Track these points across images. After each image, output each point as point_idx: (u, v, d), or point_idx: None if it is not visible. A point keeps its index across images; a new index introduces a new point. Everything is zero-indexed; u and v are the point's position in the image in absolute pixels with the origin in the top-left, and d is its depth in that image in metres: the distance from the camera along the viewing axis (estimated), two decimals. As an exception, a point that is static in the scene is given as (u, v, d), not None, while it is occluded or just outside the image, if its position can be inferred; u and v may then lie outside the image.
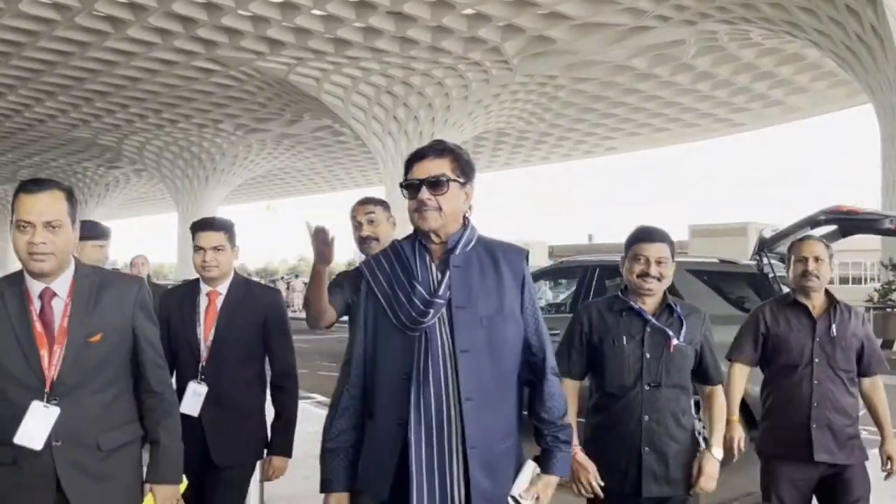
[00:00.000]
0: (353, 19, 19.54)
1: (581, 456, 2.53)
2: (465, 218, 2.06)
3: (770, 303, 3.26)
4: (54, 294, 2.08)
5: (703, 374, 2.70)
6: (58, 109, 28.20)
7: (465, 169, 2.03)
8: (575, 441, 2.43)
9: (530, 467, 2.01)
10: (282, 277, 37.62)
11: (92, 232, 3.38)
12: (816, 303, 3.05)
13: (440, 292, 1.95)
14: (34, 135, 32.20)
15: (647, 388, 2.54)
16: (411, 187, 1.99)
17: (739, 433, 3.14)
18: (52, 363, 2.05)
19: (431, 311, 1.94)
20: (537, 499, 1.99)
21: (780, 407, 3.06)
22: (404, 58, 22.36)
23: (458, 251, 2.01)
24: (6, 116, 29.02)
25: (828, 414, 2.95)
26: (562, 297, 8.01)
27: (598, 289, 7.66)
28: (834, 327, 2.99)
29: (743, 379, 3.25)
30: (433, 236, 2.01)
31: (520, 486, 1.97)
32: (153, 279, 8.69)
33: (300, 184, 48.74)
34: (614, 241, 15.30)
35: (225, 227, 2.99)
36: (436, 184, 1.96)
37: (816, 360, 2.98)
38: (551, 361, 2.08)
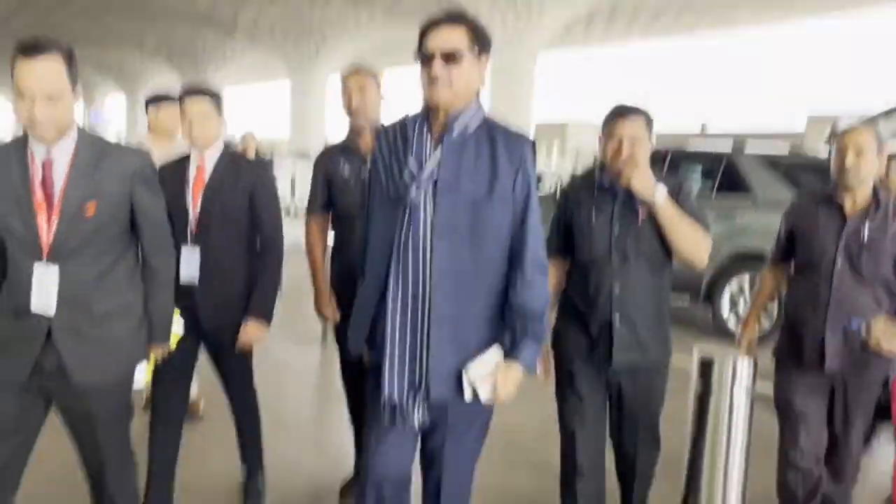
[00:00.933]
0: None
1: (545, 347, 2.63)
2: (476, 96, 2.02)
3: (805, 197, 3.06)
4: (55, 160, 2.08)
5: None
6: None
7: (480, 40, 1.96)
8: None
9: (492, 352, 1.99)
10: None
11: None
12: (857, 199, 2.76)
13: (426, 170, 1.94)
14: (156, 7, 33.40)
15: (616, 259, 2.57)
16: (424, 59, 1.93)
17: (755, 332, 3.09)
18: (49, 229, 2.07)
19: (413, 186, 1.94)
20: (493, 389, 1.98)
21: (798, 309, 2.89)
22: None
23: (455, 130, 1.97)
24: (130, -12, 30.07)
25: (844, 321, 2.75)
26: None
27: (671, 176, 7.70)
28: (866, 228, 2.72)
29: (771, 279, 3.13)
30: (441, 111, 1.97)
31: (476, 370, 1.96)
32: (261, 154, 8.85)
33: (409, 54, 48.31)
34: (730, 132, 14.63)
35: (210, 94, 3.00)
36: (450, 56, 1.90)
37: (839, 262, 2.74)
38: (533, 254, 2.03)
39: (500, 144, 1.99)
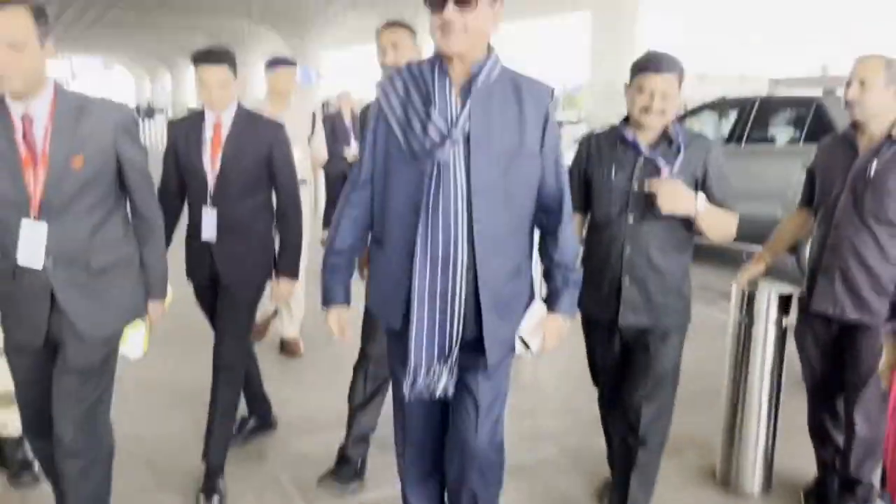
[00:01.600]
0: None
1: None
2: (489, 44, 1.90)
3: (832, 135, 2.90)
4: (35, 117, 2.06)
5: (707, 196, 2.46)
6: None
7: None
8: None
9: (537, 307, 2.03)
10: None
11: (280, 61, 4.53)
12: (872, 135, 2.58)
13: (459, 124, 1.82)
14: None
15: (630, 219, 2.45)
16: (435, 3, 1.78)
17: (756, 270, 2.91)
18: (36, 185, 2.05)
19: (448, 143, 1.82)
20: (543, 339, 2.02)
21: (811, 253, 2.79)
22: None
23: (480, 80, 1.85)
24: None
25: (841, 264, 2.61)
26: (725, 131, 8.04)
27: (757, 124, 7.48)
28: (874, 165, 2.54)
29: (791, 221, 2.98)
30: (456, 60, 1.84)
31: (526, 327, 2.00)
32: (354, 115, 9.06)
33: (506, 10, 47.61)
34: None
35: (228, 60, 2.96)
36: (464, 0, 1.75)
37: (842, 200, 2.60)
38: (568, 206, 2.03)
39: (525, 94, 1.90)
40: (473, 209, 1.85)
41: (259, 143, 2.99)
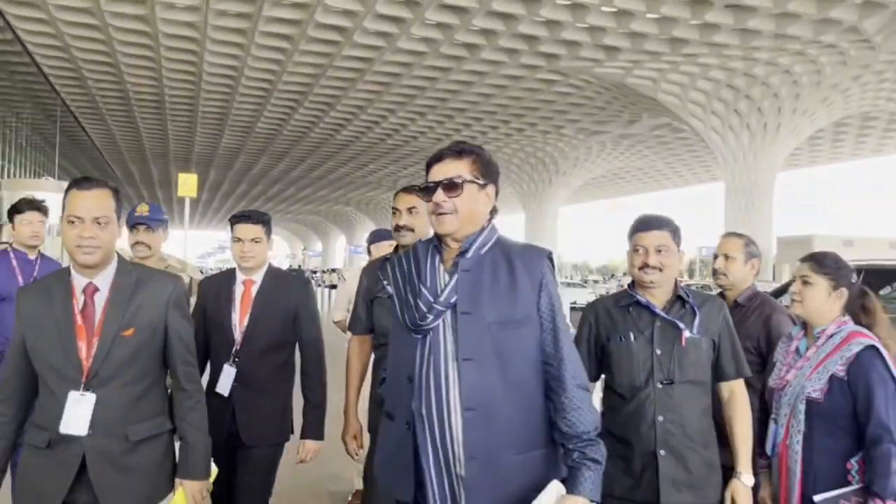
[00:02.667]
0: (688, 18, 19.40)
1: None
2: (489, 220, 1.99)
3: None
4: (97, 289, 2.15)
5: (717, 370, 2.41)
6: (426, 126, 32.71)
7: (485, 170, 1.95)
8: None
9: (554, 487, 1.81)
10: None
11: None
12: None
13: (442, 296, 1.88)
14: (409, 149, 37.73)
15: (659, 386, 2.33)
16: (428, 190, 1.94)
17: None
18: (88, 355, 2.09)
19: (430, 315, 1.87)
20: None
21: None
22: (745, 49, 21.39)
23: (469, 254, 1.92)
24: (388, 135, 34.54)
25: None
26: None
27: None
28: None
29: None
30: (449, 240, 1.94)
31: None
32: None
33: (640, 182, 48.78)
34: None
35: (262, 220, 3.05)
36: (450, 185, 1.90)
37: None
38: (572, 371, 1.90)
39: (517, 262, 1.92)
40: (462, 376, 1.84)
41: (287, 298, 3.02)
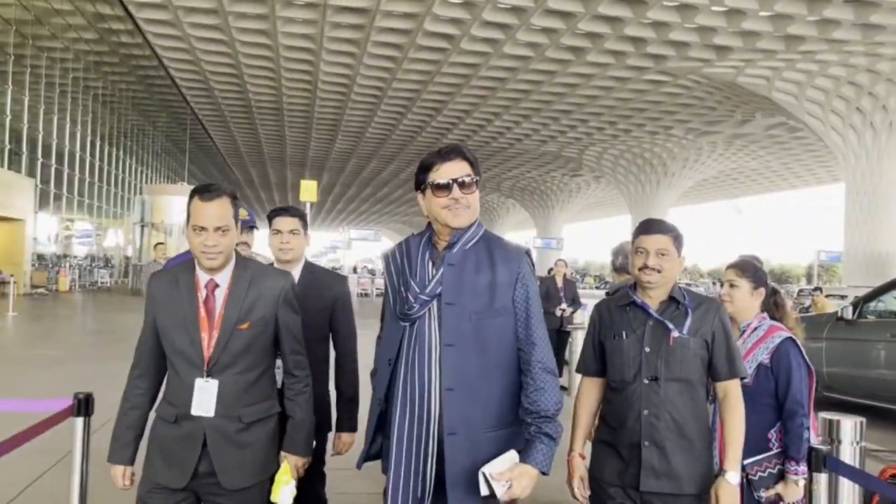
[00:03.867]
0: (804, 14, 18.71)
1: (576, 461, 2.54)
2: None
3: None
4: (217, 285, 2.31)
5: (712, 370, 2.51)
6: (531, 129, 32.89)
7: (477, 171, 2.12)
8: (579, 446, 2.55)
9: (509, 456, 1.99)
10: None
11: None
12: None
13: (428, 289, 2.05)
14: (513, 152, 38.02)
15: (645, 382, 2.45)
16: (441, 187, 2.06)
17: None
18: (209, 345, 2.27)
19: (417, 305, 2.04)
20: (510, 486, 1.92)
21: None
22: (868, 45, 20.34)
23: (456, 248, 2.08)
24: (493, 138, 34.97)
25: None
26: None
27: None
28: None
29: None
30: (447, 233, 2.10)
31: (494, 466, 1.94)
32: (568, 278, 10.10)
33: (755, 183, 46.86)
34: None
35: (300, 215, 3.09)
36: (467, 184, 2.06)
37: None
38: (540, 356, 2.07)
39: (498, 258, 2.08)
40: (443, 360, 2.01)
41: (323, 293, 3.06)
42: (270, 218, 3.12)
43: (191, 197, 2.30)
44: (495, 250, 2.10)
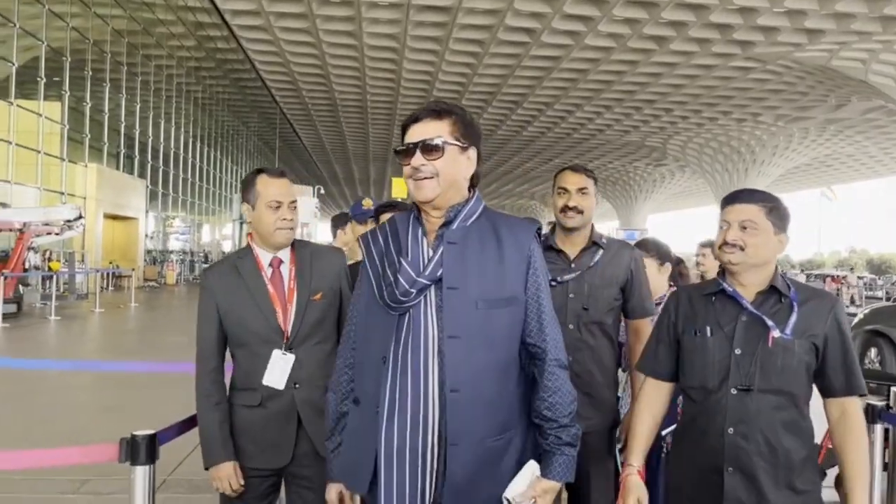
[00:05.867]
0: (903, -7, 17.99)
1: (632, 480, 2.04)
2: (472, 188, 1.82)
3: None
4: (281, 261, 2.35)
5: (823, 382, 1.99)
6: (613, 119, 32.63)
7: (466, 132, 1.78)
8: (637, 460, 2.08)
9: (530, 468, 1.75)
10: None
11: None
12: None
13: (427, 271, 1.71)
14: (595, 142, 37.79)
15: (733, 392, 1.95)
16: (405, 152, 1.75)
17: None
18: (286, 319, 2.29)
19: (413, 290, 1.70)
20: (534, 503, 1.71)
21: None
22: (975, 21, 19.32)
23: (455, 224, 1.76)
24: (574, 129, 34.88)
25: None
26: None
27: None
28: None
29: None
30: (430, 208, 1.77)
31: (515, 488, 1.72)
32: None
33: (852, 169, 44.80)
34: None
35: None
36: (430, 147, 1.72)
37: None
38: (554, 353, 1.77)
39: (505, 235, 1.77)
40: (446, 355, 1.67)
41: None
42: (378, 212, 3.12)
43: (254, 177, 2.35)
44: (501, 226, 1.80)
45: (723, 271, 2.10)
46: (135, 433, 2.12)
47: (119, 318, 15.03)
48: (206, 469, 2.27)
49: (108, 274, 21.72)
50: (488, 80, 27.03)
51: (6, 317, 12.75)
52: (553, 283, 2.41)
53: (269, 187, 2.31)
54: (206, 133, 35.84)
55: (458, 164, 1.77)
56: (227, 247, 37.97)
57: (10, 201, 16.93)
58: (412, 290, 1.71)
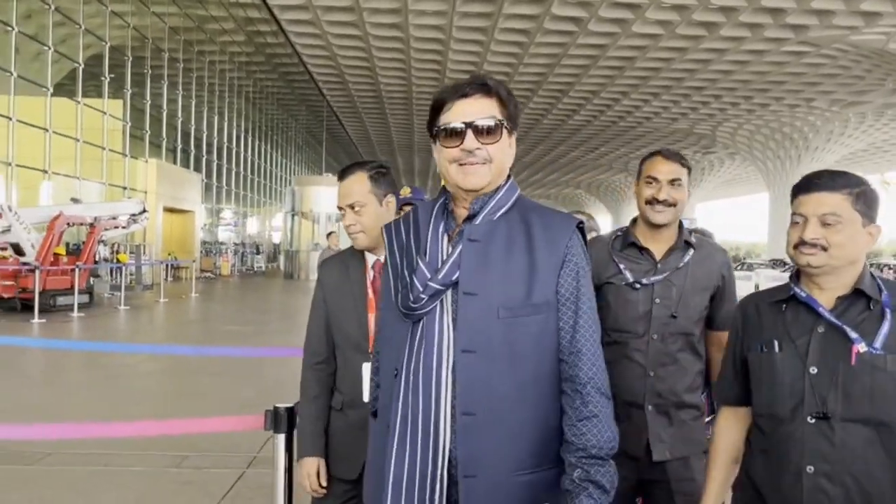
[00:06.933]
0: (966, -28, 17.44)
1: None
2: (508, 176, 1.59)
3: None
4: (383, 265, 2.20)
5: None
6: (661, 107, 32.25)
7: (514, 112, 1.55)
8: (713, 502, 1.78)
9: None
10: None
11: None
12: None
13: (441, 274, 1.48)
14: (642, 130, 37.39)
15: (811, 421, 1.59)
16: (450, 133, 1.50)
17: None
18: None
19: (425, 296, 1.48)
20: None
21: None
22: None
23: (479, 219, 1.52)
24: (620, 117, 34.58)
25: None
26: None
27: None
28: None
29: None
30: (466, 198, 1.54)
31: None
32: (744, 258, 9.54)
33: (909, 155, 43.46)
34: None
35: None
36: (486, 129, 1.49)
37: None
38: (591, 371, 1.49)
39: (537, 231, 1.52)
40: (459, 372, 1.45)
41: None
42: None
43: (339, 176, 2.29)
44: (534, 221, 1.54)
45: (797, 273, 1.72)
46: (276, 405, 2.39)
47: (183, 308, 15.73)
48: (297, 461, 2.27)
49: (168, 265, 22.53)
50: (534, 69, 27.02)
51: (80, 307, 13.41)
52: (636, 286, 2.25)
53: (338, 191, 2.24)
54: (256, 126, 36.65)
55: (506, 150, 1.56)
56: (277, 238, 38.83)
57: (79, 196, 17.75)
58: (423, 296, 1.48)
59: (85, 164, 19.92)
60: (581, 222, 1.57)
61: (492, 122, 1.50)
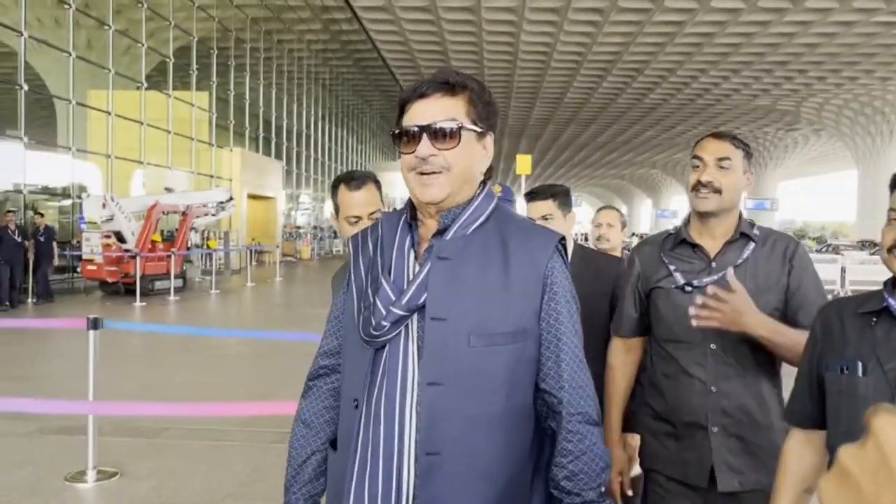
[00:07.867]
0: None
1: None
2: (482, 183, 1.43)
3: None
4: None
5: None
6: (741, 83, 31.23)
7: (485, 112, 1.40)
8: None
9: None
10: None
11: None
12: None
13: (406, 298, 1.32)
14: (720, 108, 36.29)
15: None
16: (406, 137, 1.35)
17: None
18: None
19: (387, 323, 1.32)
20: None
21: None
22: None
23: (450, 233, 1.36)
24: (698, 95, 33.65)
25: None
26: None
27: None
28: None
29: None
30: (433, 211, 1.38)
31: None
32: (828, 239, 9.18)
33: None
34: None
35: (553, 194, 2.75)
36: (442, 133, 1.33)
37: None
38: (577, 404, 1.35)
39: (515, 247, 1.37)
40: (423, 406, 1.30)
41: (602, 278, 2.74)
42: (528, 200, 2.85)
43: (335, 187, 2.19)
44: (511, 236, 1.39)
45: (893, 280, 1.47)
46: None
47: (269, 291, 16.54)
48: None
49: (252, 250, 23.57)
50: (608, 48, 26.62)
51: (175, 291, 14.26)
52: (686, 289, 1.95)
53: (345, 201, 2.17)
54: (332, 113, 37.47)
55: (474, 155, 1.38)
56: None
57: (171, 185, 18.76)
58: (385, 323, 1.32)
59: (175, 154, 20.95)
60: (563, 238, 1.43)
61: (451, 126, 1.33)
